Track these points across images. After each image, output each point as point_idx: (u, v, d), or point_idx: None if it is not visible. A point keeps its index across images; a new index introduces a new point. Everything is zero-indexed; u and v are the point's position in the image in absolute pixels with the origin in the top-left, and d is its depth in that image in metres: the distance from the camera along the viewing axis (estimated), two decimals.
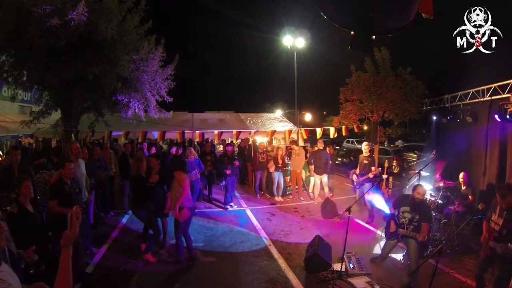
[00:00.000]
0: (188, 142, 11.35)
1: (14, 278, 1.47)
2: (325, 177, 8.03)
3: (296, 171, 8.32)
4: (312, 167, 8.05)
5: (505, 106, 5.39)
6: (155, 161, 5.07)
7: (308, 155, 9.22)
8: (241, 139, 11.28)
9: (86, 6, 5.32)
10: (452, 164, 6.57)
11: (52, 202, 3.75)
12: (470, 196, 5.40)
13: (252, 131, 10.91)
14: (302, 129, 12.01)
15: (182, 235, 4.47)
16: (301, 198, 8.48)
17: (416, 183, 4.69)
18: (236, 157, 8.47)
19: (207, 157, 7.92)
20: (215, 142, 12.73)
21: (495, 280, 3.19)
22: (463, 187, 5.55)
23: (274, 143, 11.46)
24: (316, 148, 8.40)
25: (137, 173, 4.78)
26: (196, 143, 11.08)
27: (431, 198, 5.63)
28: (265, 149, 8.68)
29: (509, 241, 3.01)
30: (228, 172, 7.37)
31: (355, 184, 7.03)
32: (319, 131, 10.82)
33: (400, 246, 4.44)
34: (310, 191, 8.46)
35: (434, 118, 8.09)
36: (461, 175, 5.61)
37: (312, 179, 8.33)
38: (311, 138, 16.33)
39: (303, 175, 8.73)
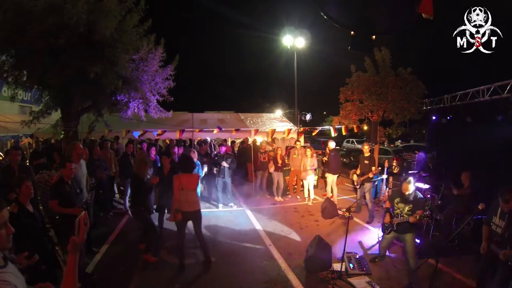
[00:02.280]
0: (188, 142, 11.35)
1: (19, 279, 1.47)
2: (335, 177, 7.99)
3: (298, 170, 8.31)
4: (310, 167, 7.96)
5: None
6: (167, 160, 5.42)
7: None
8: (241, 139, 11.27)
9: (85, 5, 5.33)
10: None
11: (53, 202, 3.74)
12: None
13: (252, 129, 10.90)
14: (302, 128, 12.01)
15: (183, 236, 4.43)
16: (298, 197, 8.50)
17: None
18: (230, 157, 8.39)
19: (203, 159, 7.96)
20: (214, 140, 12.72)
21: (496, 282, 3.17)
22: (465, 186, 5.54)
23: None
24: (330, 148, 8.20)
25: (139, 175, 4.78)
26: (196, 143, 11.08)
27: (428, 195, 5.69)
28: (266, 149, 8.69)
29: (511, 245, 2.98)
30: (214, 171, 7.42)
31: (355, 184, 7.03)
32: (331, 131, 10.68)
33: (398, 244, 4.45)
34: (306, 195, 8.15)
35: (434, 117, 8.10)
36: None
37: (305, 182, 8.15)
38: (310, 138, 16.30)
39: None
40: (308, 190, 7.99)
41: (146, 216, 4.70)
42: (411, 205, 4.06)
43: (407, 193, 4.05)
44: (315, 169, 8.26)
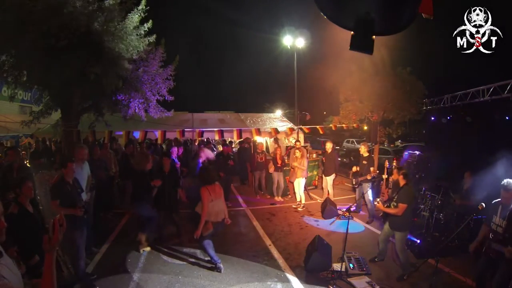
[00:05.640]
0: (188, 142, 11.35)
1: (14, 273, 1.46)
2: (330, 179, 7.92)
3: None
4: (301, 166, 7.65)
5: None
6: (167, 160, 5.37)
7: (309, 155, 9.21)
8: (242, 139, 11.26)
9: (87, 6, 5.34)
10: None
11: (54, 202, 3.74)
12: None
13: (253, 128, 10.89)
14: (303, 127, 11.99)
15: (204, 242, 4.33)
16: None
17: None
18: (232, 156, 8.43)
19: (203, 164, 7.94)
20: (215, 139, 12.71)
21: (497, 281, 3.18)
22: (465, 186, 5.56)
23: (271, 141, 11.42)
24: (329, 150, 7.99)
25: (141, 169, 4.81)
26: (196, 143, 11.07)
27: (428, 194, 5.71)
28: (263, 149, 8.66)
29: None
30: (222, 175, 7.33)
31: (354, 183, 7.03)
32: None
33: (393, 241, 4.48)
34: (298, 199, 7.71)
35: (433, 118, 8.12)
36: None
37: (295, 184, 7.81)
38: (311, 137, 16.27)
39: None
40: (300, 194, 7.59)
41: (148, 208, 4.71)
42: (397, 196, 4.17)
43: (393, 178, 4.29)
44: (306, 171, 7.78)
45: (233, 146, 12.59)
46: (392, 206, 4.14)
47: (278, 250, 5.05)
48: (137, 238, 4.89)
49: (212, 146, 11.30)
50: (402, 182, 4.20)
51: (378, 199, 4.41)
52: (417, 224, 5.65)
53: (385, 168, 7.24)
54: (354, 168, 6.93)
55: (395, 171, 4.29)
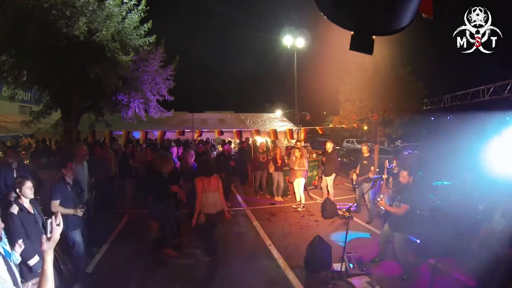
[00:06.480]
0: (185, 142, 11.35)
1: (11, 273, 1.46)
2: (330, 179, 7.90)
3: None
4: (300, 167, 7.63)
5: None
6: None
7: (309, 155, 9.20)
8: (242, 139, 11.28)
9: (87, 6, 5.34)
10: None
11: (54, 202, 3.73)
12: None
13: (253, 129, 10.88)
14: (302, 128, 12.01)
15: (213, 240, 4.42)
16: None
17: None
18: (233, 157, 8.45)
19: (201, 157, 7.93)
20: (215, 137, 12.70)
21: (497, 281, 3.17)
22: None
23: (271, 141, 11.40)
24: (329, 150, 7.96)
25: (161, 171, 4.82)
26: (196, 143, 11.07)
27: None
28: (265, 149, 8.65)
29: None
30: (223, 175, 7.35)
31: (354, 183, 7.03)
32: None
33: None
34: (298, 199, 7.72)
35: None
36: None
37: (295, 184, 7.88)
38: (311, 137, 16.28)
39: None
40: (300, 194, 7.59)
41: (165, 212, 4.72)
42: (400, 196, 4.18)
43: (403, 182, 4.25)
44: (306, 171, 7.82)
45: (232, 146, 12.57)
46: (395, 206, 4.14)
47: (278, 250, 5.05)
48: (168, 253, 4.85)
49: (211, 146, 11.31)
50: (411, 183, 4.22)
51: (381, 195, 4.40)
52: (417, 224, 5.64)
53: (385, 168, 7.24)
54: (355, 176, 6.93)
55: (405, 172, 4.25)
